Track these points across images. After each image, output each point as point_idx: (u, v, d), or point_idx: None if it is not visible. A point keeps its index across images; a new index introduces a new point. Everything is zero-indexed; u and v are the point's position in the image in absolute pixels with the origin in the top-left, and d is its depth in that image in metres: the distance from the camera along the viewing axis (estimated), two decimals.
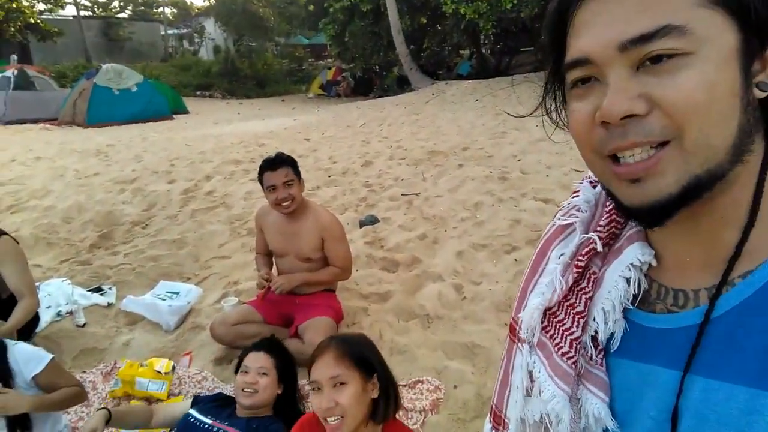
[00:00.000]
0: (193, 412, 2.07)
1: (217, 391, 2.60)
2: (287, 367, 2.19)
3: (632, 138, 0.48)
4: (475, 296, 3.32)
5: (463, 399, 2.43)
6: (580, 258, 0.62)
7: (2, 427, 1.98)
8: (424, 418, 2.37)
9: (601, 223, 0.62)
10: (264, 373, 2.08)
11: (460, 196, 5.16)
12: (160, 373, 2.64)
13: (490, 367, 2.64)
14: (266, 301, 2.96)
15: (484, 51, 19.88)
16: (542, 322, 0.65)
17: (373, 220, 4.66)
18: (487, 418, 0.76)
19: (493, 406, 0.74)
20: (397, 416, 1.63)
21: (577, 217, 0.66)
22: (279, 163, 2.80)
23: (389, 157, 7.11)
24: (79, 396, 2.11)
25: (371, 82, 21.87)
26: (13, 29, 21.37)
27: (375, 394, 1.44)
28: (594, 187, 0.67)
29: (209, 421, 2.00)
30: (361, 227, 4.57)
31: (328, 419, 1.38)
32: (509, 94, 12.36)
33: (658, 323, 0.57)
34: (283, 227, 2.91)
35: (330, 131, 10.08)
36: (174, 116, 15.09)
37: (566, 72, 0.54)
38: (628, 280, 0.58)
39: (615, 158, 0.51)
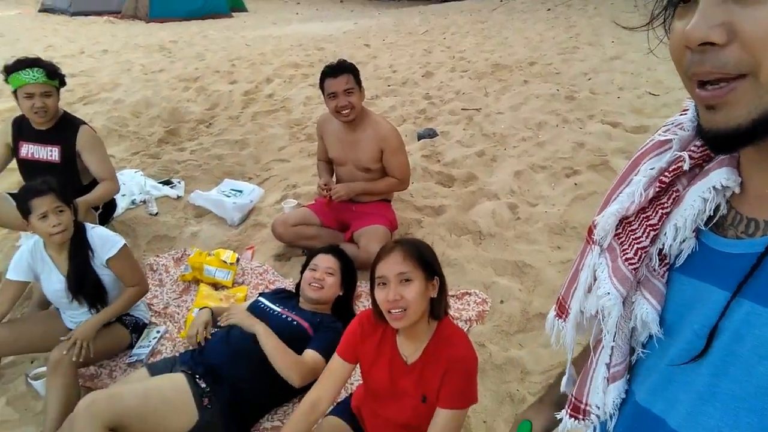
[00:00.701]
0: (262, 299, 2.26)
1: (277, 283, 2.80)
2: (350, 274, 2.33)
3: (707, 67, 0.48)
4: (530, 217, 3.32)
5: (508, 313, 2.51)
6: (666, 174, 0.64)
7: (85, 311, 2.22)
8: (469, 327, 2.49)
9: (697, 143, 0.63)
10: (330, 273, 2.24)
11: (523, 114, 5.00)
12: (225, 263, 2.84)
13: (539, 286, 2.69)
14: (324, 205, 3.06)
15: None
16: (617, 229, 0.67)
17: (431, 134, 4.61)
18: (553, 307, 0.82)
19: (560, 297, 0.79)
20: None
21: (676, 134, 0.66)
22: (341, 70, 2.78)
23: (451, 68, 6.87)
24: (140, 293, 2.31)
25: None
26: None
27: (434, 294, 1.52)
28: None
29: (278, 309, 2.17)
30: (419, 140, 4.54)
31: (392, 311, 1.48)
32: (585, 3, 11.47)
33: (725, 247, 0.58)
34: (342, 136, 2.94)
35: (391, 38, 9.75)
36: (232, 14, 14.90)
37: None
38: (705, 202, 0.60)
39: (699, 82, 0.51)
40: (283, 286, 2.66)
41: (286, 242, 3.03)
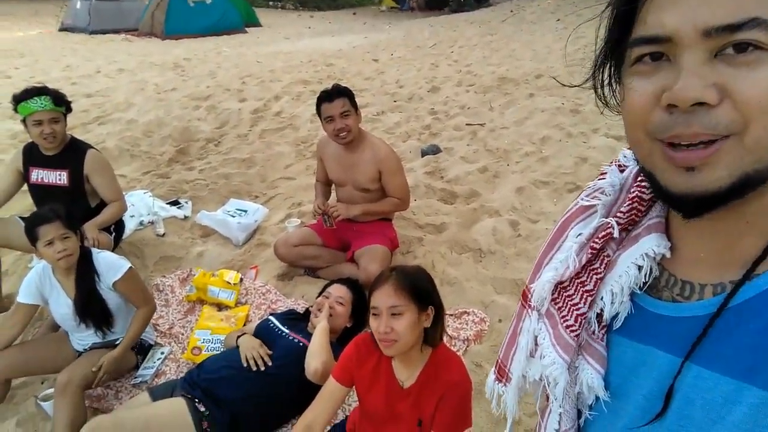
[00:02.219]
0: (272, 318, 2.32)
1: (279, 303, 2.86)
2: (361, 308, 2.35)
3: (696, 127, 0.47)
4: (531, 234, 3.34)
5: (506, 333, 2.53)
6: (596, 240, 0.65)
7: (92, 333, 2.30)
8: (467, 346, 2.51)
9: (623, 209, 0.64)
10: (341, 303, 2.29)
11: (527, 129, 5.03)
12: (229, 283, 2.91)
13: None
14: (321, 230, 3.11)
15: None
16: (553, 294, 0.69)
17: (435, 150, 4.66)
18: (492, 369, 0.84)
19: (499, 360, 0.81)
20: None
21: (599, 199, 0.67)
22: (336, 94, 2.85)
23: (457, 82, 6.93)
24: (150, 313, 2.39)
25: None
26: None
27: (428, 324, 1.56)
28: (621, 171, 0.68)
29: (286, 331, 2.23)
30: (422, 156, 4.59)
31: (382, 341, 1.53)
32: (595, 11, 11.44)
33: (662, 310, 0.59)
34: (341, 158, 3.00)
35: (399, 52, 9.85)
36: (247, 29, 15.15)
37: (632, 46, 0.51)
38: (639, 268, 0.61)
39: (668, 143, 0.49)
40: (293, 308, 2.69)
41: (288, 262, 3.09)
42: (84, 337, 2.32)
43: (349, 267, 2.95)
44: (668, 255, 0.60)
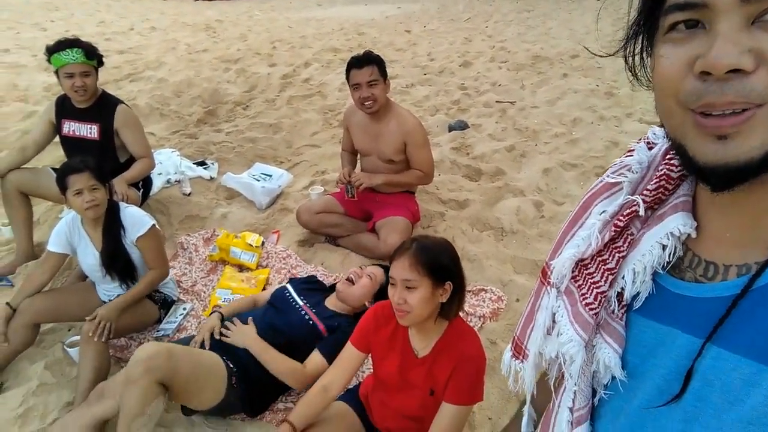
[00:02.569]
0: (289, 287, 2.33)
1: (299, 268, 2.89)
2: (383, 290, 2.29)
3: (730, 95, 0.46)
4: (554, 216, 3.30)
5: (523, 310, 2.53)
6: (620, 218, 0.64)
7: (117, 285, 2.35)
8: (483, 323, 2.52)
9: (649, 187, 0.63)
10: (370, 277, 2.24)
11: (558, 110, 4.92)
12: (251, 245, 2.95)
13: None
14: (344, 199, 3.12)
15: None
16: (573, 272, 0.68)
17: (462, 126, 4.61)
18: (508, 346, 0.82)
19: (516, 337, 0.80)
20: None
21: (626, 177, 0.66)
22: (365, 61, 2.81)
23: (490, 58, 6.79)
24: (161, 277, 2.37)
25: None
26: None
27: (444, 299, 1.55)
28: (650, 149, 0.67)
29: (300, 302, 2.22)
30: (449, 131, 4.54)
31: (397, 309, 1.54)
32: None
33: (685, 290, 0.58)
34: (367, 128, 2.98)
35: (432, 24, 9.67)
36: None
37: (666, 14, 0.50)
38: (664, 247, 0.60)
39: (700, 112, 0.48)
40: (314, 274, 2.69)
41: (310, 229, 3.12)
42: (109, 288, 2.38)
43: (369, 237, 2.97)
44: (694, 235, 0.59)
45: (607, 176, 0.68)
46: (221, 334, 2.08)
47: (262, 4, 13.14)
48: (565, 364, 0.68)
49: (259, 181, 3.56)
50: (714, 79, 0.46)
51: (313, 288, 2.37)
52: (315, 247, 3.11)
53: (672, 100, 0.50)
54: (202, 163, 3.90)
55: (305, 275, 2.80)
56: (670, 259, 0.60)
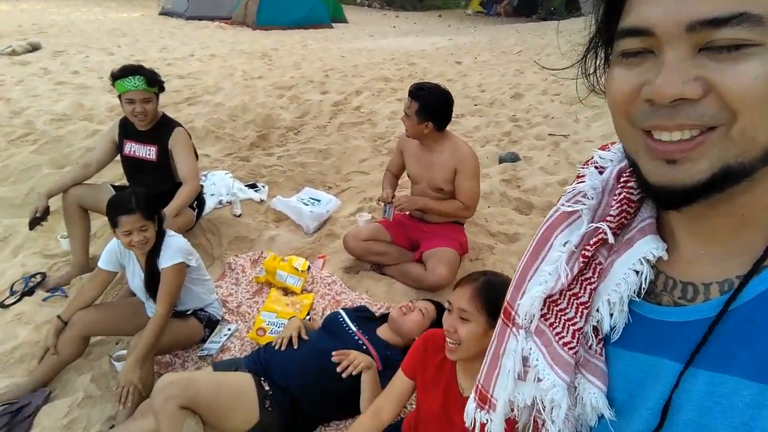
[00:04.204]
0: (342, 312, 2.31)
1: (343, 295, 2.86)
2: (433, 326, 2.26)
3: (680, 120, 0.46)
4: None
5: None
6: (587, 248, 0.61)
7: (147, 298, 2.37)
8: None
9: (612, 212, 0.60)
10: (422, 312, 2.20)
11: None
12: (297, 269, 2.95)
13: None
14: (397, 223, 3.09)
15: None
16: (542, 310, 0.64)
17: (513, 158, 4.53)
18: (472, 396, 0.77)
19: (480, 386, 0.74)
20: None
21: (584, 204, 0.63)
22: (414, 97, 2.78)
23: (542, 91, 6.72)
24: (164, 319, 2.19)
25: (536, 1, 20.26)
26: None
27: None
28: (601, 173, 0.64)
29: (354, 329, 2.20)
30: (500, 163, 4.47)
31: (447, 340, 1.49)
32: None
33: (666, 316, 0.55)
34: (421, 155, 2.96)
35: (483, 56, 9.69)
36: (333, 25, 15.46)
37: (619, 38, 0.50)
38: (638, 273, 0.57)
39: (649, 133, 0.49)
40: (365, 305, 2.67)
41: (356, 256, 3.09)
42: (153, 305, 2.41)
43: (416, 267, 2.91)
44: (665, 257, 0.57)
45: (562, 205, 0.65)
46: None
47: (316, 34, 13.54)
48: (544, 411, 0.64)
49: (307, 205, 3.58)
50: (660, 106, 0.47)
51: (365, 316, 2.35)
52: (360, 274, 3.08)
53: (623, 119, 0.51)
54: (253, 186, 3.96)
55: (350, 302, 2.77)
56: (645, 285, 0.57)
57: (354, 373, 1.91)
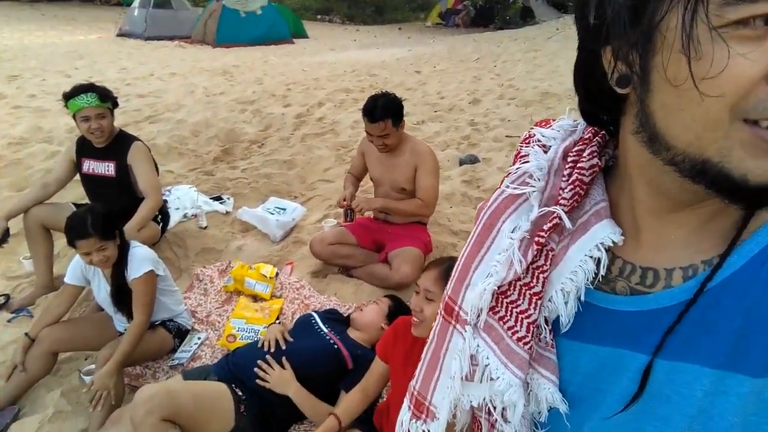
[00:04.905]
0: (314, 314, 2.37)
1: (312, 299, 2.91)
2: (393, 315, 2.31)
3: None
4: None
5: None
6: (540, 233, 0.55)
7: (114, 312, 2.37)
8: None
9: (565, 195, 0.55)
10: (376, 303, 2.31)
11: None
12: (265, 276, 2.99)
13: None
14: (361, 225, 3.17)
15: None
16: (489, 303, 0.58)
17: (472, 160, 4.68)
18: (405, 405, 0.70)
19: (415, 393, 0.68)
20: None
21: (532, 186, 0.57)
22: (378, 117, 2.81)
23: (499, 95, 6.93)
24: (143, 326, 2.23)
25: (492, 12, 20.82)
26: None
27: None
28: (545, 152, 0.59)
29: (325, 329, 2.26)
30: (460, 165, 4.62)
31: (413, 318, 1.61)
32: None
33: (621, 305, 0.53)
34: (383, 157, 3.05)
35: (442, 65, 9.92)
36: (294, 40, 15.56)
37: (739, 2, 0.38)
38: (595, 260, 0.53)
39: (755, 123, 0.41)
40: (336, 308, 2.72)
41: (323, 260, 3.16)
42: (124, 320, 2.40)
43: (382, 268, 2.99)
44: (620, 243, 0.53)
45: (507, 187, 0.59)
46: (258, 377, 2.05)
47: (277, 50, 13.61)
48: (494, 410, 0.59)
49: (273, 214, 3.63)
50: None
51: (336, 318, 2.41)
52: (328, 278, 3.14)
53: (726, 109, 0.40)
54: (218, 198, 3.99)
55: (319, 305, 2.83)
56: (602, 272, 0.53)
57: (268, 386, 2.00)
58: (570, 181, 0.55)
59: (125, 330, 2.34)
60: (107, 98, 2.93)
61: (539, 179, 0.57)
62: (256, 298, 2.95)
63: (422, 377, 0.67)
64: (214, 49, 13.46)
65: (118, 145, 3.05)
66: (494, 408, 0.59)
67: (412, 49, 13.14)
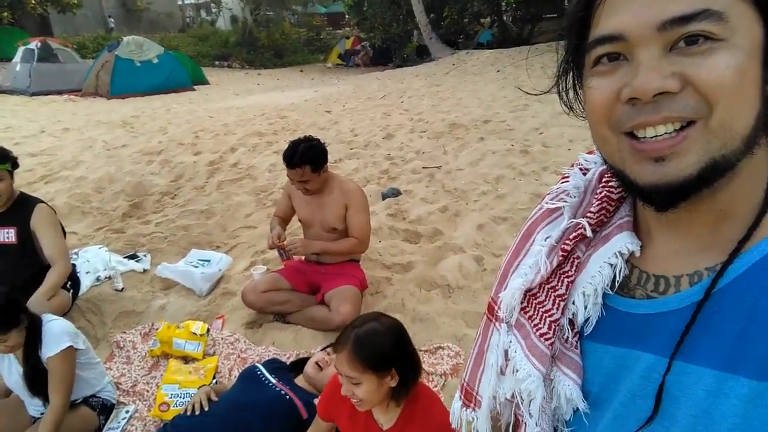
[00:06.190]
0: (260, 366, 2.23)
1: (249, 351, 2.76)
2: None
3: (665, 113, 0.48)
4: (495, 267, 3.40)
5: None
6: (567, 242, 0.63)
7: (29, 396, 2.11)
8: (445, 381, 2.50)
9: (592, 209, 0.63)
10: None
11: (482, 170, 5.20)
12: (195, 334, 2.79)
13: None
14: (293, 269, 3.08)
15: (505, 18, 19.48)
16: (521, 303, 0.66)
17: (395, 193, 4.74)
18: (457, 395, 0.78)
19: (465, 384, 0.75)
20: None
21: (566, 201, 0.66)
22: (296, 164, 2.78)
23: (410, 129, 7.14)
24: (58, 416, 2.01)
25: (390, 51, 21.65)
26: (33, 2, 21.38)
27: (393, 383, 1.50)
28: (584, 174, 0.68)
29: (273, 380, 2.13)
30: (383, 199, 4.66)
31: (351, 400, 1.52)
32: (531, 64, 12.18)
33: (637, 309, 0.58)
34: (310, 198, 3.00)
35: (351, 103, 10.10)
36: (194, 87, 15.19)
37: (591, 49, 0.53)
38: (613, 267, 0.60)
39: (633, 136, 0.50)
40: (276, 357, 2.59)
41: (257, 309, 3.02)
42: (38, 404, 2.15)
43: (320, 309, 2.91)
44: (638, 253, 0.60)
45: (546, 203, 0.68)
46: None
47: (178, 97, 13.20)
48: (522, 403, 0.65)
49: (197, 267, 3.43)
50: (642, 104, 0.48)
51: (281, 367, 2.29)
52: (263, 327, 3.00)
53: (605, 128, 0.53)
54: (133, 257, 3.72)
55: (257, 358, 2.68)
56: (618, 278, 0.60)
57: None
58: (599, 197, 0.63)
59: (41, 415, 2.09)
60: (5, 159, 2.71)
61: (574, 197, 0.66)
62: (186, 359, 2.74)
63: (470, 370, 0.75)
64: (109, 100, 12.82)
65: (20, 208, 2.81)
66: (521, 400, 0.65)
67: (318, 89, 13.29)
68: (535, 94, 0.81)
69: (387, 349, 1.49)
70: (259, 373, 2.18)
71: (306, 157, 2.79)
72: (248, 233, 4.25)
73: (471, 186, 4.82)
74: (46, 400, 2.05)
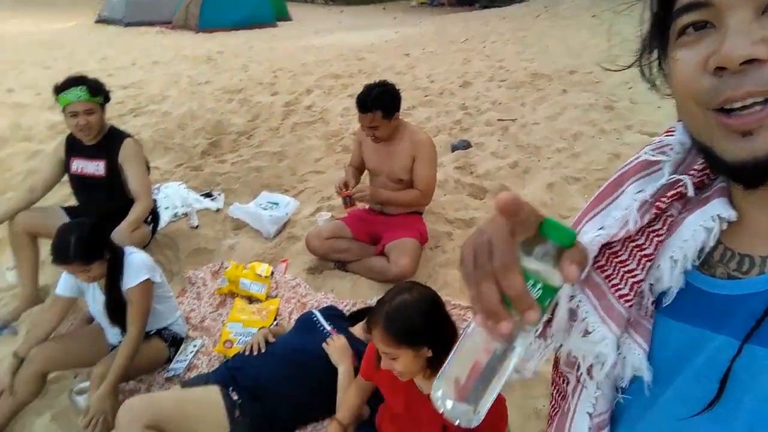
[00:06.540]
0: (316, 312, 2.32)
1: (309, 297, 2.87)
2: None
3: (747, 86, 0.45)
4: None
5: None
6: (663, 199, 0.58)
7: (110, 324, 2.28)
8: None
9: (696, 167, 0.58)
10: None
11: (559, 125, 4.94)
12: (260, 276, 2.93)
13: None
14: (356, 218, 3.12)
15: None
16: (597, 260, 0.61)
17: (465, 145, 4.62)
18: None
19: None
20: None
21: (668, 156, 0.60)
22: (368, 108, 2.77)
23: (489, 78, 6.85)
24: (138, 338, 2.15)
25: None
26: None
27: (429, 354, 1.51)
28: None
29: (328, 327, 2.21)
30: (452, 151, 4.56)
31: (393, 372, 1.55)
32: (632, 9, 11.17)
33: (718, 288, 0.54)
34: (379, 147, 2.98)
35: (431, 47, 9.78)
36: (277, 23, 15.27)
37: (676, 18, 0.50)
38: (708, 232, 0.55)
39: (722, 110, 0.47)
40: (334, 304, 2.68)
41: (319, 255, 3.10)
42: (118, 332, 2.29)
43: (379, 260, 2.95)
44: (734, 218, 0.55)
45: (646, 153, 0.62)
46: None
47: (261, 33, 13.35)
48: (583, 363, 0.61)
49: (266, 209, 3.56)
50: (729, 74, 0.45)
51: (337, 315, 2.36)
52: (324, 274, 3.09)
53: (692, 102, 0.50)
54: (208, 195, 3.91)
55: (316, 303, 2.79)
56: (709, 246, 0.56)
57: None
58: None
59: (119, 343, 2.23)
60: (98, 93, 2.78)
61: (678, 153, 0.60)
62: (251, 299, 2.90)
63: None
64: (197, 34, 13.18)
65: (109, 142, 2.91)
66: (583, 362, 0.61)
67: (400, 30, 12.94)
68: (616, 70, 0.72)
69: (418, 323, 1.49)
70: (315, 319, 2.26)
71: (378, 101, 2.77)
72: (316, 178, 4.33)
73: (545, 142, 4.60)
74: (124, 329, 2.21)
